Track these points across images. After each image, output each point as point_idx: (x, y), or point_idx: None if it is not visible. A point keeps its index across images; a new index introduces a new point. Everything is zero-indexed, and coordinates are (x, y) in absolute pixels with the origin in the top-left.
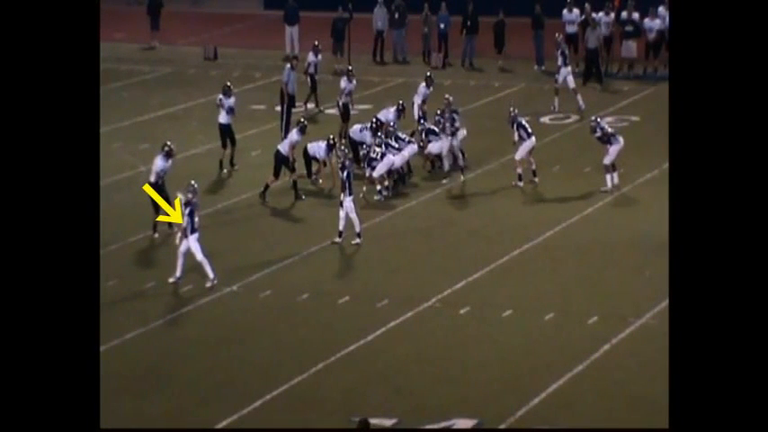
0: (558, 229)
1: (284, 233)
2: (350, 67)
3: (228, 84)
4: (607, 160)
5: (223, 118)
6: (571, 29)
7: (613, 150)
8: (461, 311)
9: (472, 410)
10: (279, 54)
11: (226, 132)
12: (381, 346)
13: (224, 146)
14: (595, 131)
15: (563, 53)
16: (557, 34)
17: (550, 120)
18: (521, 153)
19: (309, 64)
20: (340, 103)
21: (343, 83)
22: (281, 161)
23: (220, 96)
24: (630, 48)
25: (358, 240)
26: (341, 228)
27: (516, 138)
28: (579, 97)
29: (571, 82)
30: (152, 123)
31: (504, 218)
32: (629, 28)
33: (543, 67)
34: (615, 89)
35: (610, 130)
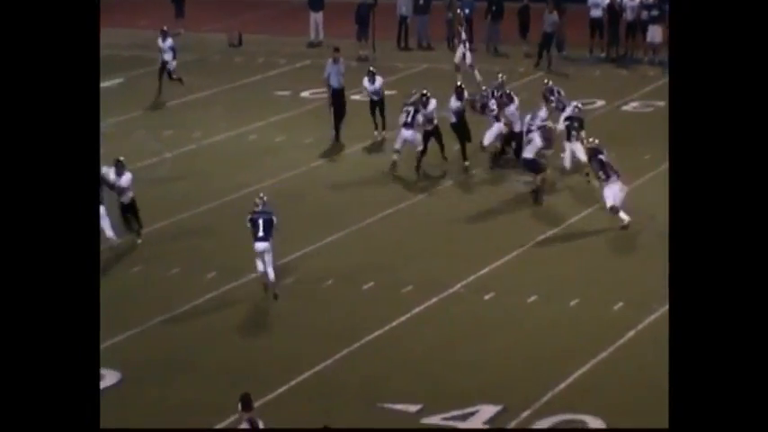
0: (584, 215)
1: (310, 219)
2: (371, 68)
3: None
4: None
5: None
6: (596, 13)
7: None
8: (486, 297)
9: (496, 396)
10: (303, 40)
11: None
12: (406, 332)
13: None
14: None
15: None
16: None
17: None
18: (562, 123)
19: None
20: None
21: (368, 84)
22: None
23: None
24: (655, 32)
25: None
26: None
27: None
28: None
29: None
30: (176, 110)
31: (530, 203)
32: (654, 12)
33: (565, 53)
34: (640, 74)
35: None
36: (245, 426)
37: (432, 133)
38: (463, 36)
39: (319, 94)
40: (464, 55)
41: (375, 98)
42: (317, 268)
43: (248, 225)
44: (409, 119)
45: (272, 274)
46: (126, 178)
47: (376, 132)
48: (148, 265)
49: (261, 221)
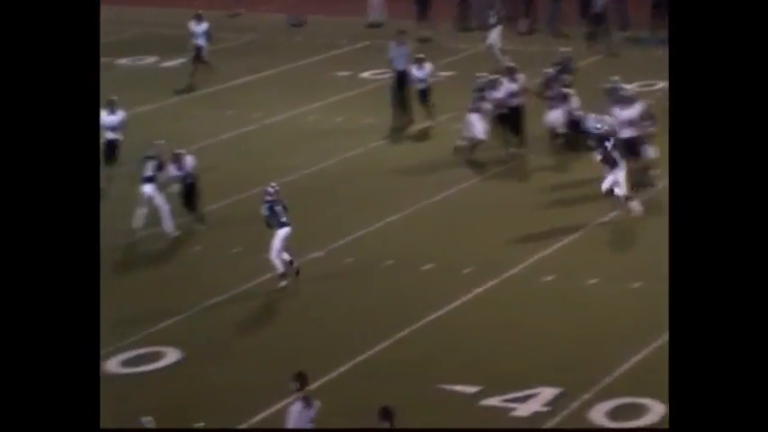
0: (647, 197)
1: (369, 199)
2: (421, 55)
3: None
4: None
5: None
6: None
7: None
8: (546, 279)
9: (556, 379)
10: (363, 21)
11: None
12: (465, 313)
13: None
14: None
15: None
16: None
17: (638, 86)
18: None
19: None
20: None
21: (415, 71)
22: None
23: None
24: None
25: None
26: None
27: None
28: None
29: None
30: (235, 90)
31: (591, 184)
32: None
33: (627, 33)
34: None
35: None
36: (299, 404)
37: (505, 117)
38: (495, 18)
39: (379, 74)
40: (492, 36)
41: (421, 86)
42: (377, 249)
43: (266, 213)
44: (477, 103)
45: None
46: (186, 161)
47: (429, 122)
48: (208, 246)
49: (281, 208)
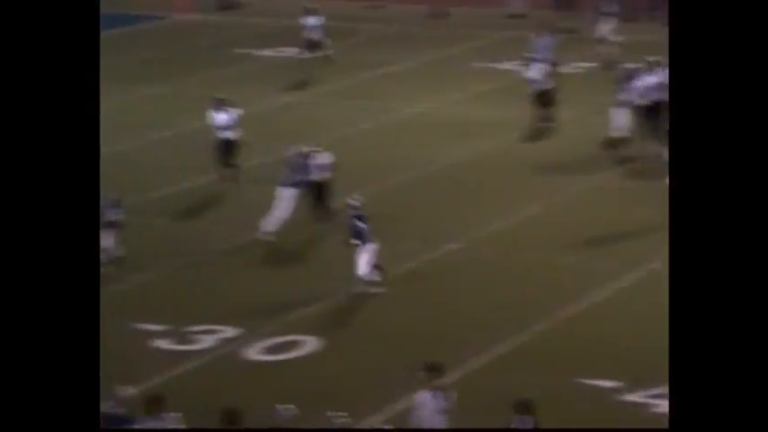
0: None
1: (508, 191)
2: (528, 55)
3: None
4: None
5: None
6: None
7: None
8: None
9: None
10: (505, 12)
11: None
12: (607, 308)
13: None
14: None
15: None
16: None
17: None
18: None
19: None
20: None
21: (531, 72)
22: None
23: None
24: None
25: None
26: None
27: None
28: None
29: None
30: (376, 81)
31: None
32: None
33: None
34: None
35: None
36: (428, 394)
37: (648, 110)
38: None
39: (520, 66)
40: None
41: (539, 86)
42: (515, 241)
43: (359, 224)
44: (619, 95)
45: None
46: (322, 159)
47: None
48: (345, 236)
49: (364, 221)
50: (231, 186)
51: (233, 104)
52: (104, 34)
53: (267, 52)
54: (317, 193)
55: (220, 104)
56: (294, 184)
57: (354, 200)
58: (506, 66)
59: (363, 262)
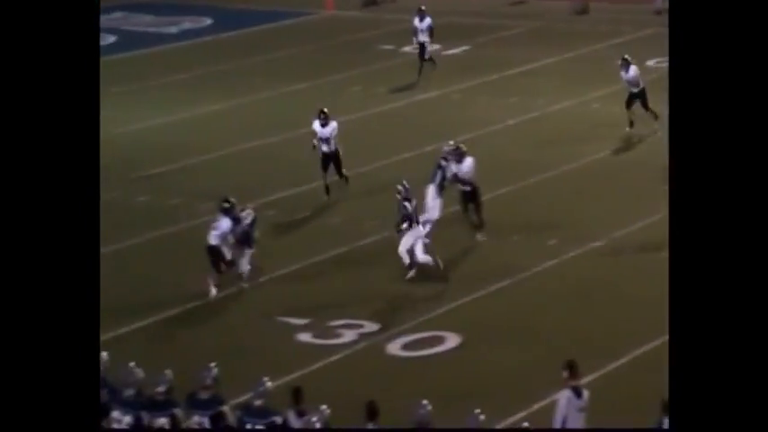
0: None
1: (651, 189)
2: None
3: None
4: None
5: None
6: None
7: None
8: None
9: None
10: (649, 8)
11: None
12: None
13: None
14: None
15: None
16: None
17: None
18: None
19: None
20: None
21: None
22: None
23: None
24: None
25: None
26: None
27: None
28: None
29: None
30: (519, 77)
31: None
32: None
33: None
34: None
35: None
36: (568, 393)
37: None
38: None
39: (663, 63)
40: None
41: (634, 90)
42: (656, 240)
43: (408, 207)
44: None
45: None
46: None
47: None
48: (490, 232)
49: (413, 205)
50: (368, 183)
51: (334, 117)
52: (252, 30)
53: (408, 49)
54: (467, 198)
55: (323, 117)
56: (440, 184)
57: (402, 184)
58: (650, 63)
59: (418, 249)
